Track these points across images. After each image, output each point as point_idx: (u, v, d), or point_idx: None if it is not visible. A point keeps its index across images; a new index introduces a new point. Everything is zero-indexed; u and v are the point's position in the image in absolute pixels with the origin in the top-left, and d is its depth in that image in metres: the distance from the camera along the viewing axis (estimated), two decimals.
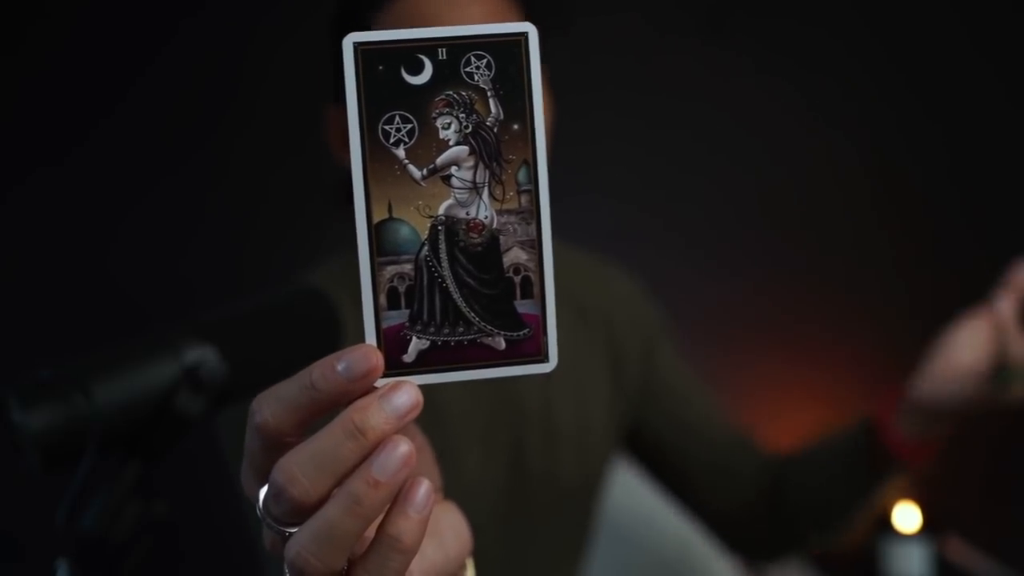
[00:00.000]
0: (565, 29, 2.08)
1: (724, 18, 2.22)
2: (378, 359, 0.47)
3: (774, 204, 2.29)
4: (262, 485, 0.50)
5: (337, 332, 0.82)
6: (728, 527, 1.33)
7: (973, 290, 2.28)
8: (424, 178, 0.48)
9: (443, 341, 0.49)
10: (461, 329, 0.49)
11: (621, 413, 1.28)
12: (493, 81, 0.48)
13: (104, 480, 0.71)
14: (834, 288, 2.34)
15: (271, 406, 0.48)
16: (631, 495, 1.55)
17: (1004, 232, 2.34)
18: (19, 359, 1.27)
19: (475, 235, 0.48)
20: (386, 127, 0.47)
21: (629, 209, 2.22)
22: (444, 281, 0.48)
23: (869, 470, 1.19)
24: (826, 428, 2.15)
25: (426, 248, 0.48)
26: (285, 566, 0.49)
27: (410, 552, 0.48)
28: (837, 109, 2.29)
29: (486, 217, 0.48)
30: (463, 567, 0.58)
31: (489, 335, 0.49)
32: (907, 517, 2.02)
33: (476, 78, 0.48)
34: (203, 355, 0.75)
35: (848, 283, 2.34)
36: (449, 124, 0.48)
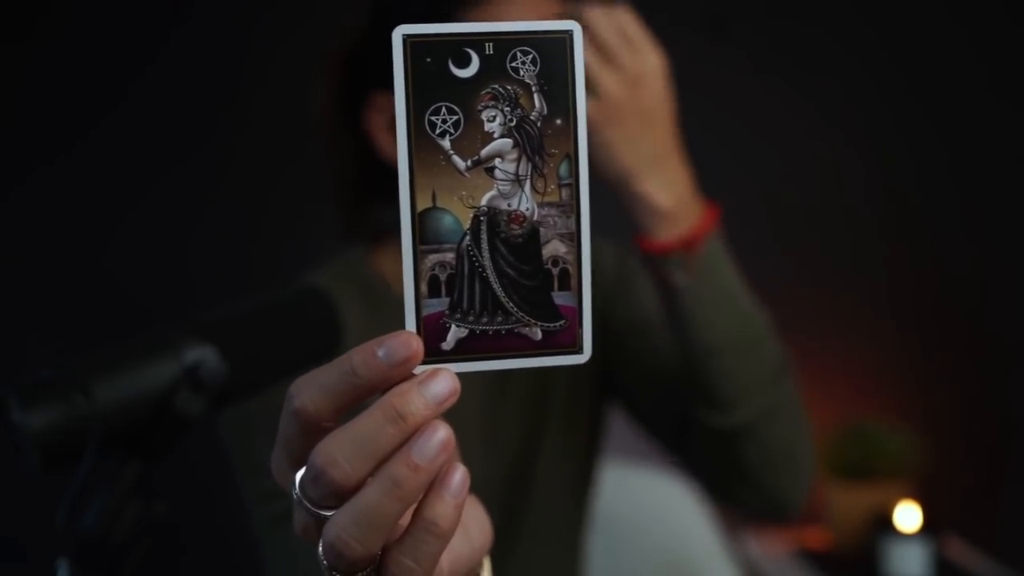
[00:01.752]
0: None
1: (725, 17, 2.25)
2: (418, 345, 0.48)
3: (774, 203, 2.31)
4: (296, 470, 0.50)
5: (338, 332, 0.82)
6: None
7: (972, 291, 2.34)
8: (468, 169, 0.49)
9: (481, 330, 0.50)
10: (499, 319, 0.50)
11: (605, 381, 1.25)
12: (538, 77, 0.49)
13: (104, 480, 0.71)
14: (833, 287, 2.36)
15: (310, 391, 0.49)
16: (627, 495, 1.56)
17: (1003, 233, 2.39)
18: (19, 359, 1.25)
19: (516, 226, 0.50)
20: (432, 118, 0.48)
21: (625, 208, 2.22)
22: (484, 271, 0.49)
23: (663, 290, 1.07)
24: (820, 430, 2.18)
25: (468, 238, 0.49)
26: (320, 549, 0.49)
27: (446, 536, 0.49)
28: (837, 109, 2.33)
29: (527, 209, 0.50)
30: (481, 562, 0.58)
31: (526, 325, 0.50)
32: (907, 517, 2.04)
33: (522, 73, 0.49)
34: (203, 355, 0.75)
35: (846, 282, 2.37)
36: (494, 117, 0.49)
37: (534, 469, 1.20)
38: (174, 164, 2.04)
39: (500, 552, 1.18)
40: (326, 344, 0.82)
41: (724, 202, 2.28)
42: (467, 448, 1.16)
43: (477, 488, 1.16)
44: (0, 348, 1.89)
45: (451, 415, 1.17)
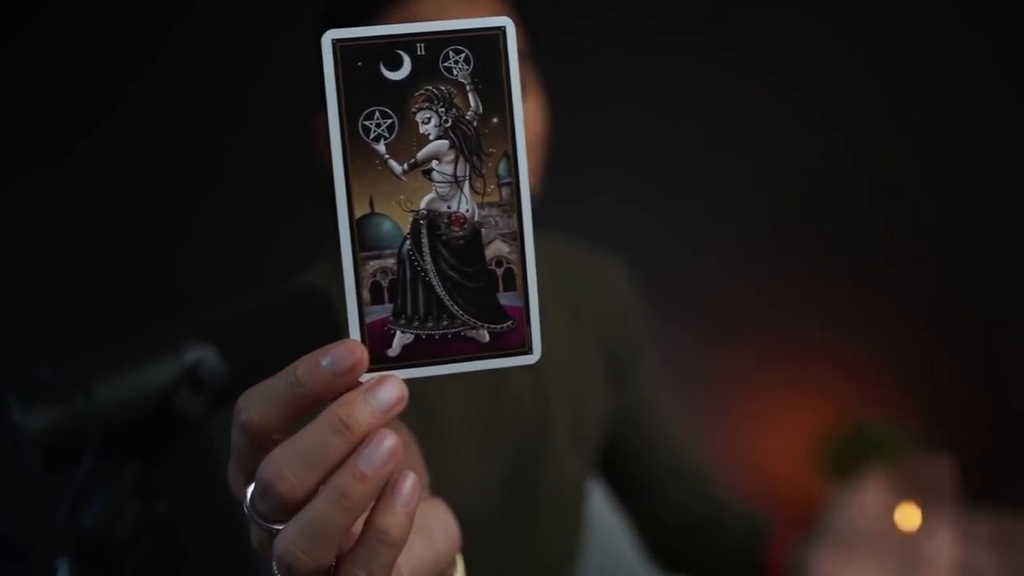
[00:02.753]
0: (567, 29, 2.09)
1: (724, 17, 2.22)
2: (363, 354, 0.48)
3: (772, 202, 2.29)
4: (249, 483, 0.50)
5: (336, 331, 0.82)
6: (657, 539, 1.34)
7: (972, 291, 2.29)
8: (405, 172, 0.48)
9: (427, 335, 0.49)
10: (445, 322, 0.49)
11: (610, 407, 1.29)
12: (472, 75, 0.48)
13: (104, 480, 0.72)
14: (832, 288, 2.33)
15: (256, 403, 0.49)
16: None
17: (1004, 233, 2.33)
18: (19, 359, 1.28)
19: (457, 228, 0.49)
20: (366, 123, 0.48)
21: (628, 208, 2.22)
22: (427, 275, 0.49)
23: None
24: (820, 430, 2.16)
25: (408, 242, 0.48)
26: (274, 563, 0.49)
27: (397, 545, 0.48)
28: (836, 108, 2.29)
29: (468, 210, 0.49)
30: (452, 564, 0.58)
31: (473, 328, 0.49)
32: (907, 517, 2.00)
33: (455, 73, 0.48)
34: (203, 355, 0.75)
35: (846, 283, 2.33)
36: (429, 119, 0.48)
37: (530, 474, 1.20)
38: (173, 164, 2.05)
39: (496, 556, 1.18)
40: (325, 343, 0.81)
41: (724, 202, 2.26)
42: (463, 453, 1.16)
43: (473, 493, 1.17)
44: (0, 348, 1.94)
45: (448, 423, 1.17)
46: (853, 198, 2.32)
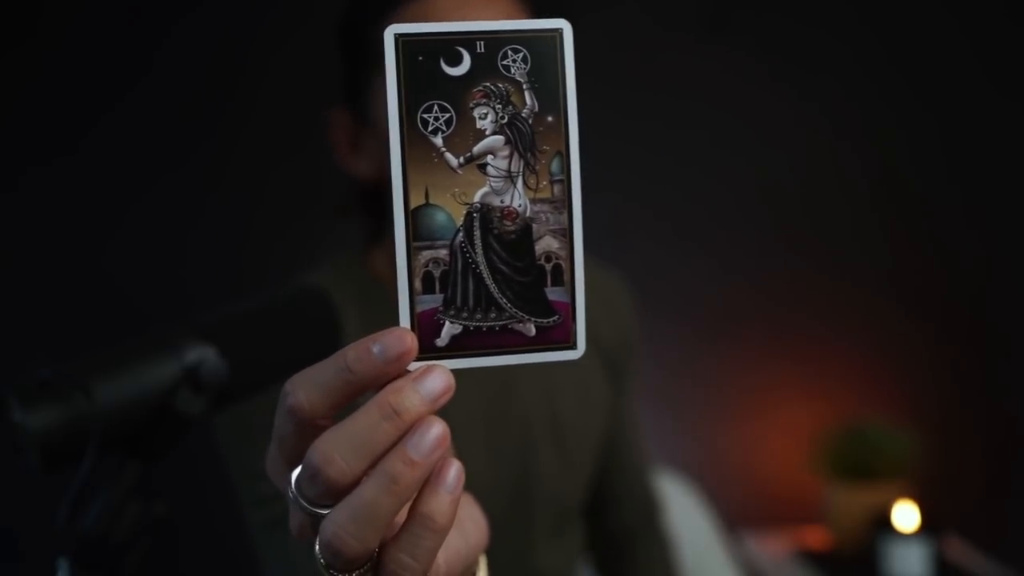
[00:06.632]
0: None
1: (725, 16, 2.26)
2: (412, 342, 0.48)
3: (773, 202, 2.31)
4: (291, 468, 0.50)
5: (337, 331, 0.82)
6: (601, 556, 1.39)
7: (972, 291, 2.35)
8: (461, 166, 0.49)
9: (475, 326, 0.50)
10: (493, 315, 0.50)
11: (609, 416, 1.31)
12: (529, 74, 0.50)
13: (104, 480, 0.71)
14: (833, 288, 2.37)
15: (305, 388, 0.49)
16: None
17: (1004, 233, 2.38)
18: (19, 359, 1.26)
19: (509, 223, 0.50)
20: (425, 116, 0.49)
21: (628, 207, 2.24)
22: (478, 267, 0.50)
23: None
24: (820, 430, 2.18)
25: (461, 234, 0.50)
26: (317, 547, 0.49)
27: (443, 531, 0.49)
28: (837, 108, 2.33)
29: (520, 205, 0.50)
30: (478, 560, 0.59)
31: (520, 321, 0.50)
32: (907, 517, 2.03)
33: (513, 71, 0.49)
34: (203, 355, 0.75)
35: (846, 283, 2.37)
36: (486, 114, 0.49)
37: (537, 469, 1.20)
38: (173, 165, 2.04)
39: (502, 551, 1.19)
40: (325, 344, 0.82)
41: (725, 201, 2.29)
42: (470, 448, 1.16)
43: (480, 488, 1.19)
44: (0, 348, 1.90)
45: (455, 415, 1.19)
46: (855, 198, 2.36)
